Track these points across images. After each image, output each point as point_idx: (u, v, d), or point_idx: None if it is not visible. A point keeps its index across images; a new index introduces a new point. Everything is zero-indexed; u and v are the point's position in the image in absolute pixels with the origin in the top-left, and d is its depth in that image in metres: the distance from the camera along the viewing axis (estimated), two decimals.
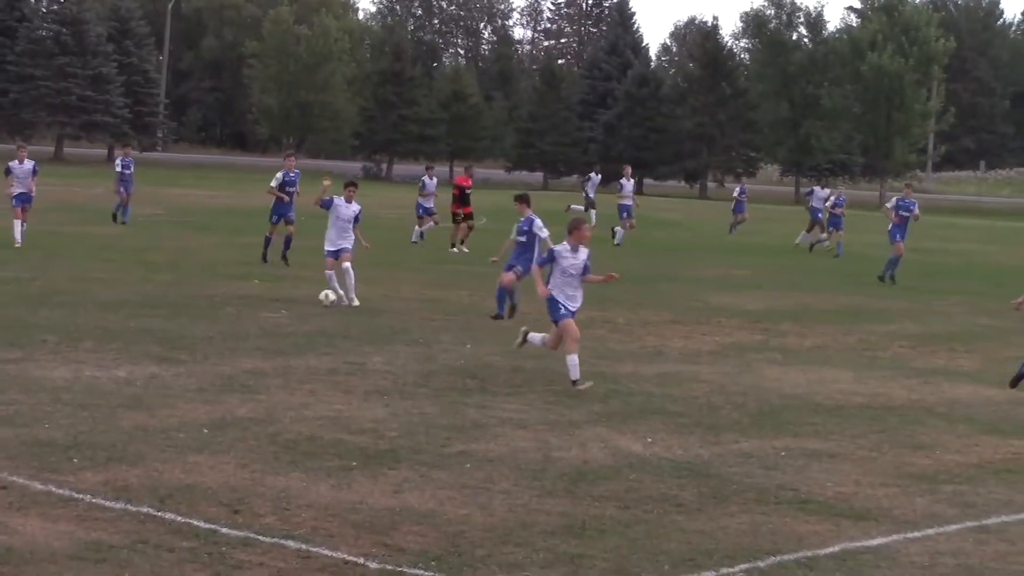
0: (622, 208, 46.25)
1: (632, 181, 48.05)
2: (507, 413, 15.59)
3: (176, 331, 20.40)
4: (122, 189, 42.38)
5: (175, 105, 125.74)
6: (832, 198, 46.64)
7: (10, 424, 13.77)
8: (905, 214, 35.29)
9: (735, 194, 56.10)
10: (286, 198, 31.59)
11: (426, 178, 42.32)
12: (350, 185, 25.59)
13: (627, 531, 11.12)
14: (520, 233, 23.55)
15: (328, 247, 24.98)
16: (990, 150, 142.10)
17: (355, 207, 25.20)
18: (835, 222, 45.97)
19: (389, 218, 51.43)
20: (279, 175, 32.12)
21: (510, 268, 23.59)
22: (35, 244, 32.46)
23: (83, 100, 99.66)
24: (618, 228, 44.84)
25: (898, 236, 35.12)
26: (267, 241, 31.83)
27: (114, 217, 42.13)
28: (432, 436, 14.18)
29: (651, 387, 17.75)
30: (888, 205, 36.01)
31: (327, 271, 24.76)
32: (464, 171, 43.55)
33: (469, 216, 39.14)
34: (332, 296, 24.06)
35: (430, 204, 41.47)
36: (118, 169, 42.94)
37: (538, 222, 23.42)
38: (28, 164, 34.09)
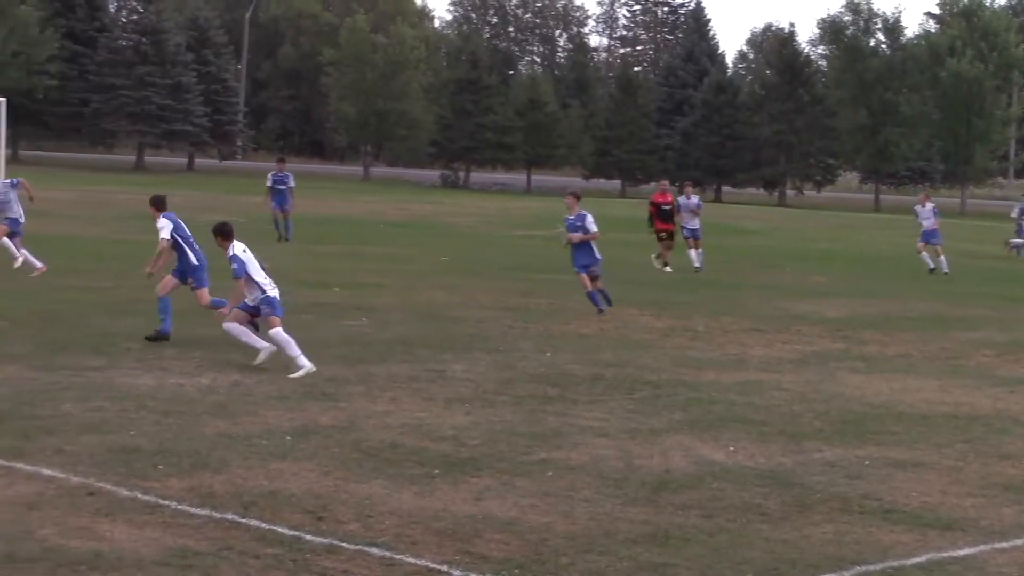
0: (691, 232, 38.06)
1: (696, 199, 39.29)
2: (588, 421, 15.56)
3: None
4: (275, 204, 41.13)
5: (254, 113, 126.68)
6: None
7: (97, 431, 13.90)
8: None
9: (1013, 215, 51.30)
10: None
11: None
12: (220, 234, 19.69)
13: (710, 540, 11.07)
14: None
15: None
16: None
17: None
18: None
19: (465, 225, 51.58)
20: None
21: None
22: (113, 255, 32.74)
23: (163, 109, 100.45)
24: (692, 251, 37.85)
25: None
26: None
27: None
28: (513, 444, 14.17)
29: (733, 395, 17.66)
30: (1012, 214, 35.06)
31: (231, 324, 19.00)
32: (660, 188, 39.32)
33: (671, 234, 36.91)
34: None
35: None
36: (269, 184, 41.55)
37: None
38: None
